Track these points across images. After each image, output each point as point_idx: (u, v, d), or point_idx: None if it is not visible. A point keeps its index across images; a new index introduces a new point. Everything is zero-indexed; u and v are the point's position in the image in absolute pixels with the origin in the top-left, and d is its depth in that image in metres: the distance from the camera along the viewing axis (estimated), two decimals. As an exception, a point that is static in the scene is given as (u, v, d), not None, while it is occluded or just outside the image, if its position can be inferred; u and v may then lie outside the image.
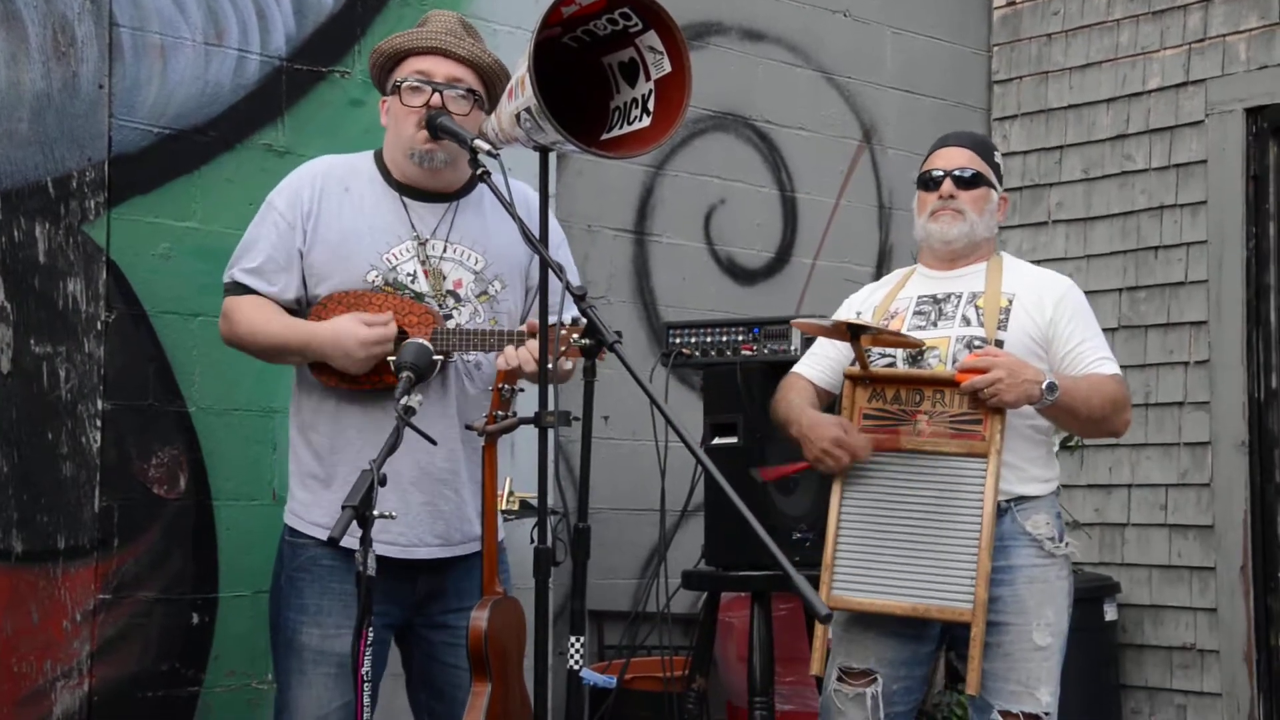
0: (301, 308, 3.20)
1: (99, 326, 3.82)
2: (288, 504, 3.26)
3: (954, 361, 3.28)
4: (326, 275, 3.17)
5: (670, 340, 4.25)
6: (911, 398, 3.28)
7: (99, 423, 3.81)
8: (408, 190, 3.22)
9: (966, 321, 3.33)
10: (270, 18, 4.15)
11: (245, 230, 3.26)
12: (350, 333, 3.07)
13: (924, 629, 3.32)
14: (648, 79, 2.90)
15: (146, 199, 3.92)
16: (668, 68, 2.88)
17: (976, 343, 3.28)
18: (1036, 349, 3.31)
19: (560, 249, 3.34)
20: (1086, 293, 5.73)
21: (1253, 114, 5.45)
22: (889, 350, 3.35)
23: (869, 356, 3.34)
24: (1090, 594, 5.33)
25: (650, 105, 2.90)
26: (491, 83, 3.23)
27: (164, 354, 3.94)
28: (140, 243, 3.90)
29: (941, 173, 3.40)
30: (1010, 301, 3.33)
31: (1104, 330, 5.71)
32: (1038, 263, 5.89)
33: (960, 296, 3.36)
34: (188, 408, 3.98)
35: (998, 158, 3.49)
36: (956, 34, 6.16)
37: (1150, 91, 5.72)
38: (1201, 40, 5.60)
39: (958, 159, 3.41)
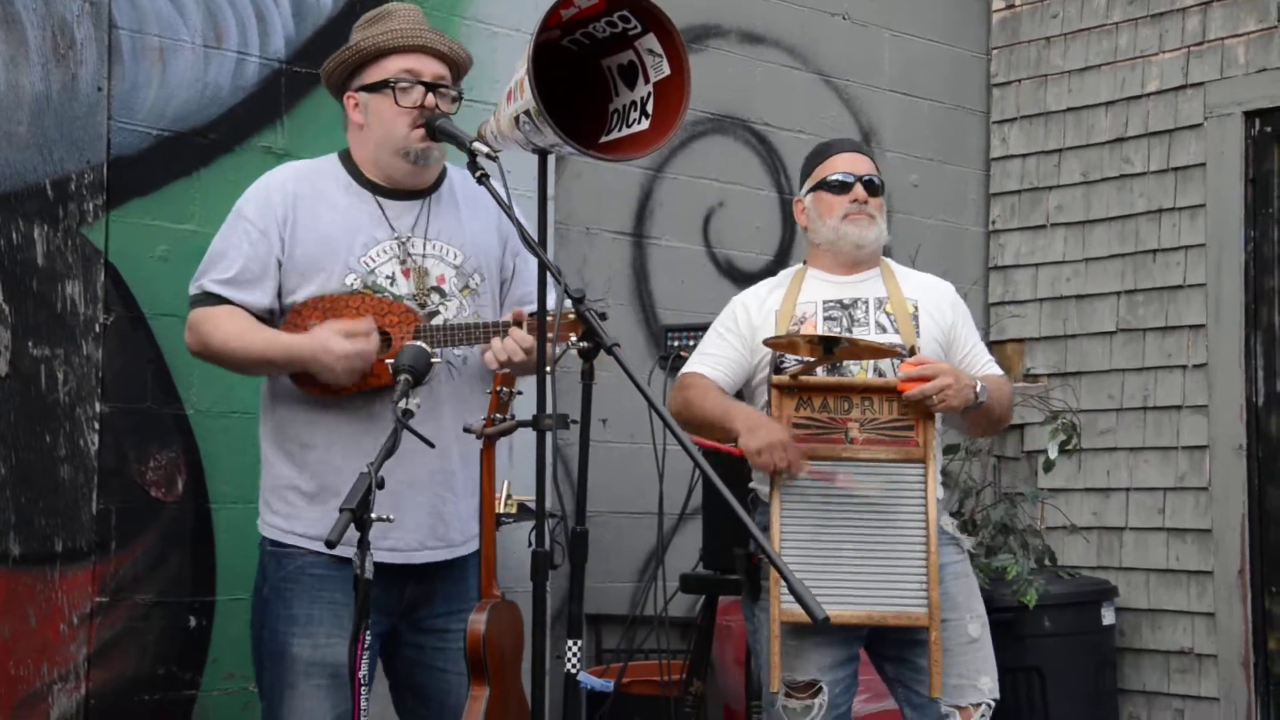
0: (274, 317, 3.15)
1: (97, 329, 3.82)
2: (263, 517, 3.20)
3: (875, 369, 3.33)
4: (304, 281, 3.12)
5: (669, 343, 4.26)
6: (840, 405, 3.29)
7: (97, 425, 3.80)
8: (380, 190, 3.19)
9: (881, 328, 3.38)
10: (269, 20, 4.15)
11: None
12: (330, 346, 3.02)
13: (855, 627, 3.32)
14: (646, 82, 2.90)
15: (145, 201, 3.92)
16: (666, 70, 2.88)
17: (901, 350, 3.31)
18: (941, 353, 3.39)
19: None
20: (1085, 296, 5.84)
21: (1251, 117, 5.45)
22: (808, 358, 3.33)
23: (784, 363, 3.34)
24: (1088, 598, 5.33)
25: (649, 108, 2.90)
26: (461, 77, 3.25)
27: (162, 356, 3.93)
28: (139, 245, 3.90)
29: (852, 177, 3.45)
30: (915, 308, 3.41)
31: (1102, 333, 5.79)
32: (1037, 266, 5.99)
33: (867, 302, 3.41)
34: (185, 410, 3.97)
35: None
36: (955, 37, 6.16)
37: (1149, 95, 5.72)
38: (1200, 43, 5.60)
39: (864, 166, 3.49)
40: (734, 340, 3.44)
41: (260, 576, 3.20)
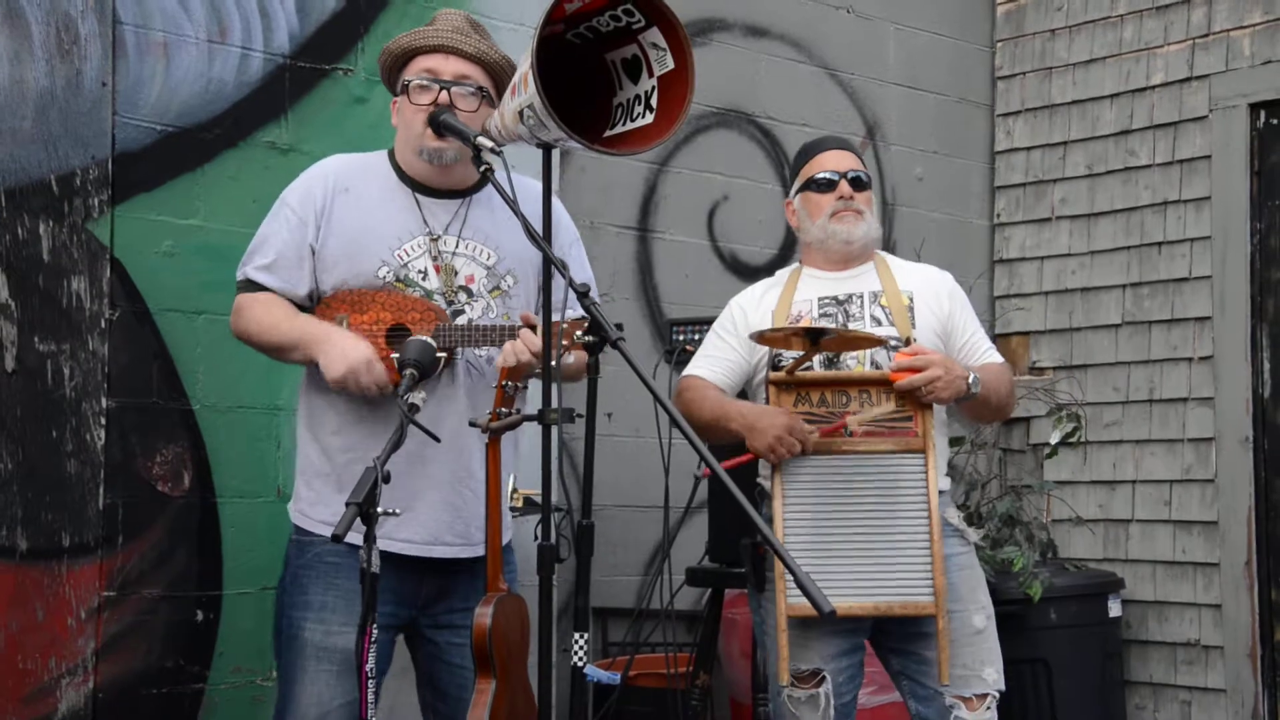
0: (314, 303, 3.21)
1: (103, 324, 3.82)
2: (293, 502, 3.25)
3: (873, 362, 3.32)
4: (337, 270, 3.17)
5: (673, 337, 4.26)
6: (838, 400, 3.30)
7: (103, 420, 3.81)
8: (420, 187, 3.23)
9: (877, 322, 3.38)
10: (273, 15, 4.15)
11: (249, 227, 3.28)
12: (332, 367, 3.07)
13: (860, 619, 3.33)
14: (650, 75, 2.90)
15: (150, 197, 3.93)
16: (670, 64, 2.88)
17: (894, 343, 3.32)
18: (939, 344, 3.39)
19: (573, 247, 3.35)
20: (1090, 289, 5.84)
21: (1257, 109, 5.45)
22: (798, 351, 3.33)
23: (780, 360, 3.35)
24: (1094, 590, 5.33)
25: (653, 102, 2.90)
26: (500, 79, 3.23)
27: (167, 351, 3.94)
28: (144, 240, 3.91)
29: (837, 175, 3.44)
30: (911, 299, 3.41)
31: (1108, 326, 5.79)
32: (1042, 259, 5.99)
33: (862, 296, 3.41)
34: (191, 405, 3.98)
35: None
36: (960, 30, 6.15)
37: (1154, 87, 5.72)
38: (1205, 35, 5.60)
39: (847, 161, 3.47)
40: (732, 341, 3.46)
41: (285, 562, 3.25)
